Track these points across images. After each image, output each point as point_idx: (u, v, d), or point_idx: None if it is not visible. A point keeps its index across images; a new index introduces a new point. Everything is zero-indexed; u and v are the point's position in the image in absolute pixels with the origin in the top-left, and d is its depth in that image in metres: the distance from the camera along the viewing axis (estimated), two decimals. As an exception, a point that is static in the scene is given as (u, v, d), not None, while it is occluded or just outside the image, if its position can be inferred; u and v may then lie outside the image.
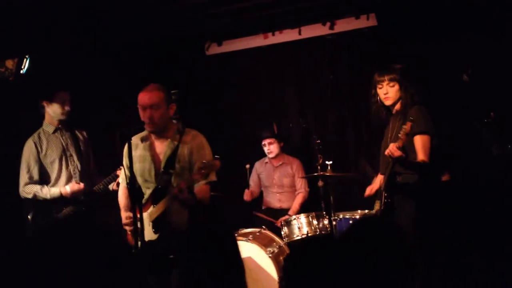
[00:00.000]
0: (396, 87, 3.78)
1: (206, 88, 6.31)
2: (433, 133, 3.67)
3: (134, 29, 5.24)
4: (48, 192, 4.13)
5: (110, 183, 4.24)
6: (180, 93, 5.70)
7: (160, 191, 3.43)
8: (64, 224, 3.73)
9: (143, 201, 3.44)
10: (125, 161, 3.39)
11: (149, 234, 3.36)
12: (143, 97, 3.41)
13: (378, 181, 4.02)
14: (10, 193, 4.29)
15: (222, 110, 6.28)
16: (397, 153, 3.47)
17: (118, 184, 4.06)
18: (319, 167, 4.84)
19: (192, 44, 6.12)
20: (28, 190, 4.14)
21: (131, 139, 3.16)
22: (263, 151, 5.65)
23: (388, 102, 3.82)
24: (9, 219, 4.37)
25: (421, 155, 3.59)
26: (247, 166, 5.58)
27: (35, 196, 4.13)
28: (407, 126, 3.43)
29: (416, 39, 5.20)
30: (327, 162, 4.76)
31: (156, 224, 3.39)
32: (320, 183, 4.91)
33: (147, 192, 3.49)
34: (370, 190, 4.13)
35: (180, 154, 3.41)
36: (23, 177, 4.16)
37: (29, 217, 4.17)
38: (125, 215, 3.53)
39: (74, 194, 4.15)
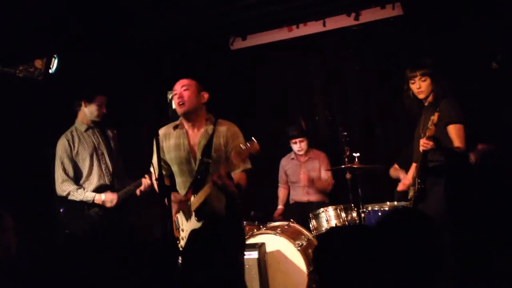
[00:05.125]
0: (428, 81, 3.90)
1: (231, 83, 6.32)
2: (465, 122, 3.76)
3: (158, 26, 5.28)
4: (82, 194, 4.23)
5: (135, 189, 4.30)
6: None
7: (200, 181, 3.45)
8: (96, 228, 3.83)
9: (183, 191, 3.52)
10: (154, 157, 3.44)
11: (192, 223, 3.42)
12: (176, 84, 3.53)
13: (411, 172, 4.08)
14: (40, 190, 4.38)
15: (247, 105, 6.28)
16: (430, 145, 3.58)
17: (140, 191, 4.22)
18: (346, 159, 4.81)
19: (216, 39, 6.13)
20: (64, 188, 4.24)
21: (158, 134, 3.20)
22: (289, 146, 5.64)
23: (421, 96, 3.94)
24: (41, 215, 4.47)
25: (457, 143, 3.70)
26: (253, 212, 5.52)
27: (69, 195, 4.23)
28: (434, 117, 3.53)
29: (443, 27, 5.12)
30: (354, 154, 4.74)
31: (198, 212, 3.42)
32: (348, 176, 4.88)
33: (184, 182, 3.53)
34: (403, 185, 4.23)
35: (215, 143, 3.44)
36: (59, 175, 4.27)
37: (61, 211, 4.27)
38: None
39: (107, 203, 4.26)
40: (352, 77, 5.94)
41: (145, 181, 4.16)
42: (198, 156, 3.46)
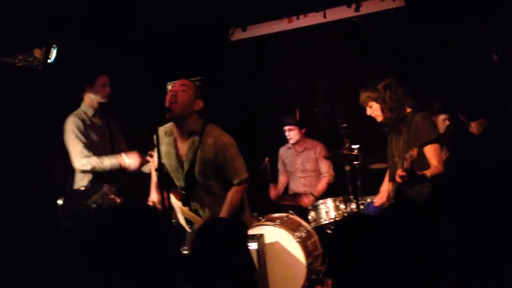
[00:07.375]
0: (375, 105, 3.78)
1: (231, 74, 6.30)
2: (439, 137, 3.62)
3: (158, 17, 5.25)
4: (109, 162, 4.06)
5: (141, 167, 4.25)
6: (205, 80, 5.71)
7: (189, 191, 3.42)
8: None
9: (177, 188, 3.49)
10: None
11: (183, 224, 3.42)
12: (175, 83, 3.40)
13: (386, 188, 4.04)
14: (39, 180, 4.35)
15: (247, 96, 6.27)
16: (405, 178, 3.39)
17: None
18: (346, 152, 4.81)
19: (216, 30, 6.10)
20: (86, 162, 4.05)
21: (157, 128, 3.17)
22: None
23: (379, 120, 3.83)
24: (40, 208, 4.44)
25: (434, 162, 3.54)
26: (267, 159, 5.55)
27: (93, 168, 4.05)
28: (413, 153, 3.31)
29: (444, 19, 5.10)
30: (353, 146, 4.73)
31: (188, 221, 3.41)
32: (347, 167, 4.89)
33: (179, 185, 3.51)
34: (378, 202, 4.17)
35: (200, 156, 3.32)
36: (77, 149, 4.06)
37: (59, 202, 4.22)
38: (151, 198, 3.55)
39: (133, 166, 4.09)
40: (353, 69, 5.92)
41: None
42: (186, 168, 3.38)
